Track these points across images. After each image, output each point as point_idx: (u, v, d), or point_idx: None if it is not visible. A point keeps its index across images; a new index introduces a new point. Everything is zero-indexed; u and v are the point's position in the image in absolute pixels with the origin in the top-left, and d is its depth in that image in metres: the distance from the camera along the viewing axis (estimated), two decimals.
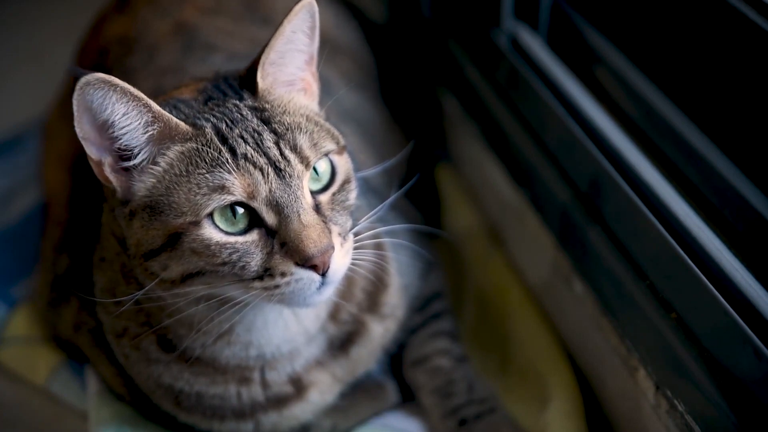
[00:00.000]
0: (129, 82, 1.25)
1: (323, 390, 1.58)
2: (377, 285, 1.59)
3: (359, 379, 1.65)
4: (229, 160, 1.27)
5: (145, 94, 1.26)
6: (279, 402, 1.54)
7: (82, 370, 1.74)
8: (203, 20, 1.89)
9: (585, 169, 1.66)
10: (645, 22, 1.73)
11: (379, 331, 1.62)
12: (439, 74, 2.26)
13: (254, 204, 1.27)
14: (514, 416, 1.66)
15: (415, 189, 1.65)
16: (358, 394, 1.67)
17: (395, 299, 1.64)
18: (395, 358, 1.73)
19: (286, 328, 1.48)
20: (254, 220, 1.29)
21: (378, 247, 1.54)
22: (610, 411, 1.67)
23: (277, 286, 1.29)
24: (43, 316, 1.84)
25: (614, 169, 1.59)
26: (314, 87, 1.43)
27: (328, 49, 1.57)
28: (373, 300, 1.60)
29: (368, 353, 1.62)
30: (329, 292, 1.34)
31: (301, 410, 1.57)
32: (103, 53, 1.89)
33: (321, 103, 1.45)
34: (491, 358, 1.81)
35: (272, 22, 1.94)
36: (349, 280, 1.53)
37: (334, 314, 1.55)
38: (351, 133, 1.72)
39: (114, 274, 1.46)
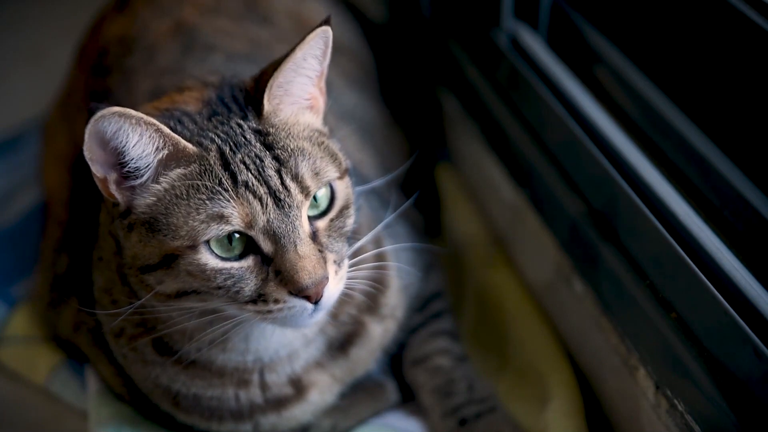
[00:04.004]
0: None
1: (323, 390, 1.57)
2: (377, 286, 1.59)
3: (359, 379, 1.65)
4: (230, 188, 1.26)
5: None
6: (278, 403, 1.54)
7: (81, 370, 1.74)
8: (203, 20, 1.89)
9: (585, 168, 1.66)
10: (645, 21, 1.73)
11: (379, 332, 1.61)
12: (439, 74, 2.26)
13: (251, 233, 1.27)
14: (514, 416, 1.66)
15: (415, 189, 1.65)
16: (358, 394, 1.67)
17: (395, 300, 1.64)
18: (395, 358, 1.73)
19: (284, 335, 1.48)
20: (250, 246, 1.29)
21: (379, 257, 1.54)
22: (609, 411, 1.66)
23: (270, 311, 1.30)
24: (43, 316, 1.84)
25: (614, 168, 1.59)
26: (320, 102, 1.41)
27: None
28: (372, 301, 1.59)
29: (368, 354, 1.62)
30: (321, 316, 1.36)
31: (301, 411, 1.57)
32: (102, 53, 1.89)
33: None
34: (491, 358, 1.81)
35: (272, 21, 1.93)
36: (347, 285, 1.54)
37: (333, 315, 1.54)
38: (351, 133, 1.72)
39: (111, 274, 1.46)
